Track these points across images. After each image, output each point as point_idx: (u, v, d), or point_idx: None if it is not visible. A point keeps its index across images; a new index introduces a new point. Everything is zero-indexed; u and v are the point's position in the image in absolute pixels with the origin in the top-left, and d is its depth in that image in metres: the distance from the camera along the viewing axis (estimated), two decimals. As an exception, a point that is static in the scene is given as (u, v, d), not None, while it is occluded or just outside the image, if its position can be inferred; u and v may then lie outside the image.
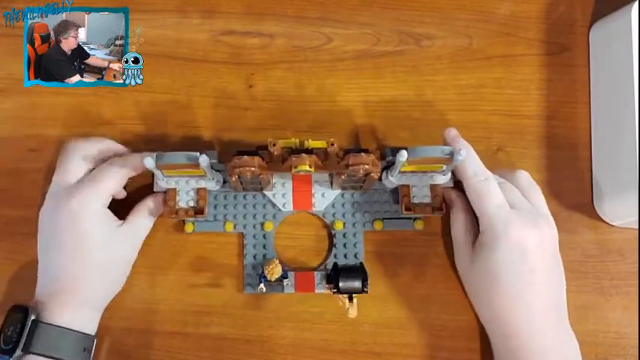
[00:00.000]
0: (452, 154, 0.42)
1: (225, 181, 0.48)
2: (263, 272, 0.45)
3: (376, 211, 0.49)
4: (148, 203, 0.47)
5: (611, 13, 0.51)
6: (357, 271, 0.43)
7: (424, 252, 0.49)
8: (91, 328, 0.44)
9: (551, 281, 0.43)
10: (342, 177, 0.44)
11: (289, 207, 0.49)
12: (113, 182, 0.44)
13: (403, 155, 0.41)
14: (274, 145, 0.42)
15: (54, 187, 0.45)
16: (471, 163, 0.44)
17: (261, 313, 0.48)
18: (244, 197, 0.49)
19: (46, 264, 0.44)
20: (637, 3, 0.47)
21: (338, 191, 0.49)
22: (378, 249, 0.49)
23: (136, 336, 0.47)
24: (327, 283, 0.45)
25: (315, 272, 0.47)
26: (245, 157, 0.42)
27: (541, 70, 0.53)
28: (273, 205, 0.49)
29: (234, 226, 0.48)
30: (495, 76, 0.53)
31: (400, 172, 0.45)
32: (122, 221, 0.46)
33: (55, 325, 0.41)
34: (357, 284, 0.43)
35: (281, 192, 0.49)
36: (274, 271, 0.45)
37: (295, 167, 0.42)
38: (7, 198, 0.50)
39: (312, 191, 0.49)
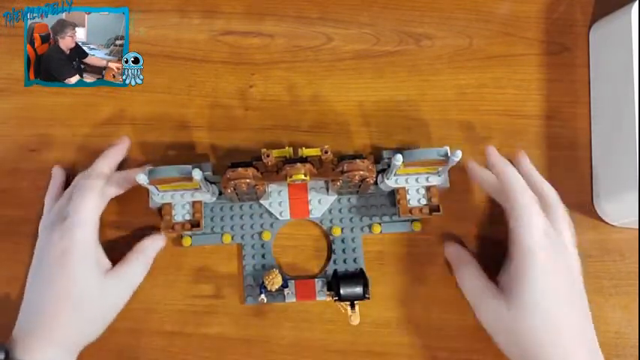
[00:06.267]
0: (447, 156, 0.42)
1: (220, 193, 0.48)
2: (263, 283, 0.45)
3: (373, 215, 0.49)
4: (145, 248, 0.46)
5: (611, 13, 0.51)
6: (358, 278, 0.43)
7: (424, 252, 0.49)
8: None
9: (587, 311, 0.42)
10: (338, 184, 0.44)
11: (286, 215, 0.48)
12: (98, 211, 0.44)
13: (399, 159, 0.41)
14: (268, 155, 0.42)
15: (57, 212, 0.45)
16: (520, 188, 0.43)
17: (261, 313, 0.48)
18: (241, 208, 0.49)
19: (30, 296, 0.43)
20: (637, 3, 0.47)
21: (334, 197, 0.49)
22: (378, 249, 0.49)
23: (136, 336, 0.47)
24: (328, 290, 0.45)
25: (316, 279, 0.47)
26: (239, 169, 0.42)
27: (541, 70, 0.53)
28: (270, 214, 0.49)
29: (232, 238, 0.48)
30: (495, 76, 0.53)
31: (395, 174, 0.45)
32: (112, 269, 0.44)
33: None
34: (358, 290, 0.43)
35: (277, 200, 0.48)
36: (274, 282, 0.44)
37: (291, 177, 0.42)
38: (7, 198, 0.50)
39: (309, 198, 0.49)
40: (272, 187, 0.48)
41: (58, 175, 0.49)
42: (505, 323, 0.41)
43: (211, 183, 0.47)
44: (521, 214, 0.42)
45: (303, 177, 0.42)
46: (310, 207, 0.49)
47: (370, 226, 0.48)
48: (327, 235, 0.49)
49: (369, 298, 0.43)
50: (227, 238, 0.48)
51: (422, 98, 0.52)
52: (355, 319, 0.43)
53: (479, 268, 0.45)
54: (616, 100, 0.49)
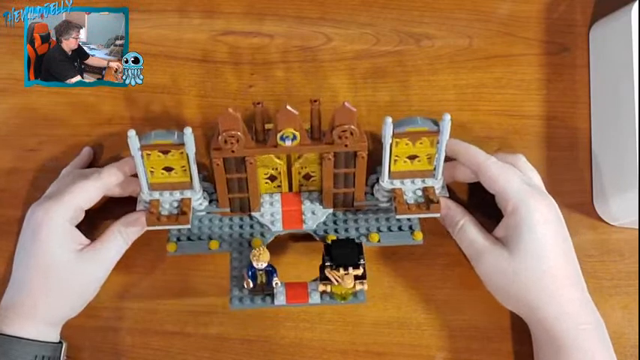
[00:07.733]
0: (437, 124, 0.42)
1: (211, 201, 0.46)
2: (250, 264, 0.40)
3: (370, 227, 0.46)
4: (126, 225, 0.45)
5: (611, 13, 0.51)
6: (352, 244, 0.40)
7: (424, 252, 0.49)
8: (50, 339, 0.43)
9: (573, 251, 0.43)
10: (330, 157, 0.43)
11: (278, 226, 0.46)
12: (83, 198, 0.43)
13: (388, 122, 0.41)
14: (259, 103, 0.41)
15: (53, 190, 0.45)
16: (477, 150, 0.44)
17: (261, 313, 0.48)
18: (231, 219, 0.46)
19: (14, 273, 0.44)
20: (637, 3, 0.47)
21: (329, 210, 0.47)
22: (378, 249, 0.49)
23: (136, 336, 0.47)
24: (321, 268, 0.41)
25: (309, 282, 0.42)
26: (229, 112, 0.40)
27: (541, 70, 0.53)
28: (262, 225, 0.46)
29: (220, 245, 0.45)
30: (495, 76, 0.53)
31: (390, 177, 0.44)
32: (89, 243, 0.44)
33: (5, 335, 0.41)
34: (351, 254, 0.40)
35: (269, 211, 0.47)
36: (261, 257, 0.40)
37: (280, 132, 0.41)
38: (6, 198, 0.50)
39: (302, 210, 0.47)
40: (264, 198, 0.47)
41: (84, 154, 0.50)
42: (504, 271, 0.42)
43: (204, 190, 0.46)
44: (495, 173, 0.43)
45: (293, 131, 0.41)
46: (304, 217, 0.47)
47: (368, 236, 0.45)
48: (321, 241, 0.46)
49: (363, 264, 0.39)
50: (214, 245, 0.45)
51: (422, 98, 0.52)
52: (348, 280, 0.39)
53: (476, 222, 0.45)
54: (616, 101, 0.49)
